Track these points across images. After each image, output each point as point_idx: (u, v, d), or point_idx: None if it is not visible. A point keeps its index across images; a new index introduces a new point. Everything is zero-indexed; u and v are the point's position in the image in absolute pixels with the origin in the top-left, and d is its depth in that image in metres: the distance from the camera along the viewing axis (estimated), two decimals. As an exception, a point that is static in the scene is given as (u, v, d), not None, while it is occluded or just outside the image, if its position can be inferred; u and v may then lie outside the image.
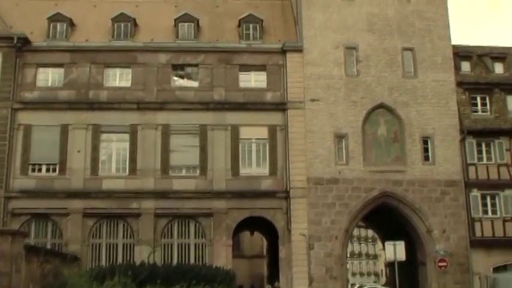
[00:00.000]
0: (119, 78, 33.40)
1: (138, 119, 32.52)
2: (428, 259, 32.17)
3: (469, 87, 34.45)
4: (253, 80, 33.67)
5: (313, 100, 32.89)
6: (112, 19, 34.37)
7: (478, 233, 32.26)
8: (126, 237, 31.73)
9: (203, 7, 36.68)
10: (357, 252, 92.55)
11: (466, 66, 35.69)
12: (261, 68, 33.73)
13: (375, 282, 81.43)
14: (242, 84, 33.44)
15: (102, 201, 31.44)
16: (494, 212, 32.80)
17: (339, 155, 32.48)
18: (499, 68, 36.17)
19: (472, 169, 32.99)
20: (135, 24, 34.77)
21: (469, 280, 31.75)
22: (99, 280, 21.98)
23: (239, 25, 34.96)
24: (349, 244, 52.92)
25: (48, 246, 30.48)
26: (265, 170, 32.55)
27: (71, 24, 34.58)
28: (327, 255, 31.31)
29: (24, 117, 32.28)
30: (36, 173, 32.01)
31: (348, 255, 53.38)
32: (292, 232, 31.54)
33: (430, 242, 32.06)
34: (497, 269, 32.32)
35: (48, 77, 33.32)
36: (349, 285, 55.53)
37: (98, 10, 36.43)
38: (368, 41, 33.95)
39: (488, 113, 34.21)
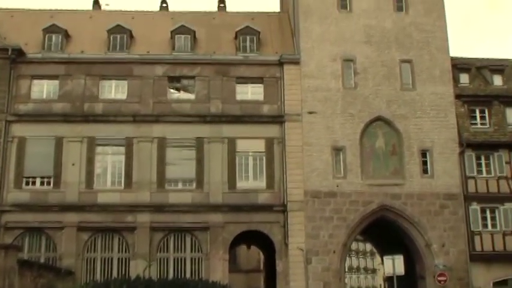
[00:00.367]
0: (114, 91, 33.46)
1: (134, 132, 32.56)
2: (428, 273, 32.14)
3: (468, 100, 34.56)
4: (250, 92, 33.78)
5: (310, 113, 32.98)
6: (108, 31, 34.47)
7: (478, 247, 32.24)
8: (121, 251, 31.64)
9: (200, 19, 36.84)
10: (355, 267, 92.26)
11: (464, 78, 35.82)
12: (258, 80, 33.85)
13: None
14: (239, 97, 33.53)
15: (97, 215, 31.41)
16: (494, 225, 32.82)
17: (337, 168, 32.52)
18: (497, 80, 36.28)
19: (471, 182, 33.03)
20: (131, 36, 34.87)
21: (469, 295, 31.74)
22: (94, 295, 21.94)
23: (236, 37, 35.09)
24: (347, 258, 52.89)
25: (42, 261, 30.41)
26: (262, 183, 32.58)
27: (66, 35, 34.66)
28: (325, 269, 31.26)
29: (19, 130, 32.29)
30: (30, 186, 31.98)
31: (346, 269, 53.30)
32: (290, 246, 31.51)
33: (429, 256, 32.04)
34: (497, 284, 32.29)
35: (43, 89, 33.34)
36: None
37: (93, 22, 36.60)
38: (366, 53, 34.10)
39: (488, 125, 34.29)
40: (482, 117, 34.51)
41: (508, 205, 32.90)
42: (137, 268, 29.30)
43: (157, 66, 33.63)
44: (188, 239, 31.98)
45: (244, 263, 52.74)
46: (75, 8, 38.68)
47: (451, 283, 31.33)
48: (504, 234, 32.59)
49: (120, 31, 34.54)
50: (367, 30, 34.47)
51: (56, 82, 33.19)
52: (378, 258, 74.56)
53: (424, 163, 32.95)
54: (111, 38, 34.43)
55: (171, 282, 24.41)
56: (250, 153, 32.89)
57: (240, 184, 32.42)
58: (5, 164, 31.71)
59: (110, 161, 32.63)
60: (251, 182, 32.62)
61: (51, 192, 31.75)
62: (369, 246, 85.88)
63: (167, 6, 40.10)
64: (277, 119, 33.09)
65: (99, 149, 32.56)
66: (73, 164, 31.90)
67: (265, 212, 32.00)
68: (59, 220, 31.17)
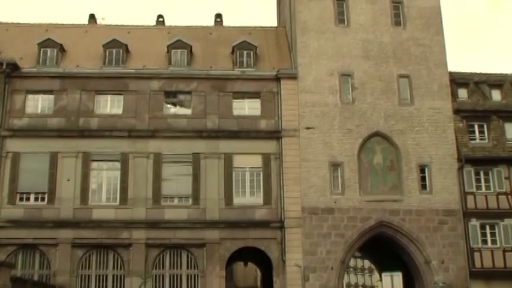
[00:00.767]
0: (110, 106, 33.53)
1: (130, 147, 32.60)
2: (427, 291, 32.10)
3: (467, 115, 34.71)
4: (247, 107, 33.88)
5: (307, 128, 33.08)
6: (104, 45, 34.63)
7: (478, 264, 32.24)
8: (116, 268, 31.58)
9: (196, 33, 37.04)
10: (353, 284, 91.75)
11: (463, 93, 35.99)
12: (255, 95, 33.97)
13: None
14: (236, 112, 33.62)
15: (91, 231, 31.37)
16: (493, 242, 32.81)
17: (334, 184, 32.56)
18: (496, 95, 36.44)
19: (470, 198, 33.10)
20: (127, 51, 35.02)
21: (469, 312, 31.68)
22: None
23: (233, 52, 35.26)
24: (345, 275, 52.71)
25: (36, 278, 30.37)
26: (259, 200, 32.60)
27: (62, 50, 34.82)
28: (323, 286, 31.21)
29: (13, 145, 32.32)
30: (24, 202, 31.96)
31: (344, 286, 53.11)
32: (287, 263, 31.47)
33: (428, 273, 32.01)
34: (497, 301, 32.26)
35: (38, 103, 33.41)
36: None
37: (89, 36, 36.78)
38: (363, 68, 34.27)
39: (486, 140, 34.41)
40: (481, 133, 34.64)
41: (507, 221, 32.94)
42: (132, 285, 29.27)
43: (153, 81, 33.74)
44: (184, 256, 31.93)
45: (241, 280, 52.61)
46: (70, 23, 39.02)
47: (451, 300, 31.32)
48: (504, 251, 32.60)
49: (116, 45, 34.68)
50: (364, 45, 34.67)
51: (51, 97, 33.28)
52: (376, 275, 74.18)
53: (423, 179, 33.02)
54: (107, 53, 34.58)
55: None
56: (247, 169, 32.92)
57: (237, 200, 32.44)
58: (-1, 180, 31.71)
59: (105, 177, 32.64)
60: (248, 198, 32.65)
61: (45, 208, 31.72)
62: (367, 263, 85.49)
63: (163, 20, 40.31)
64: (275, 135, 33.17)
65: (94, 164, 32.59)
66: (68, 180, 31.93)
67: (262, 229, 31.99)
68: (53, 236, 31.14)
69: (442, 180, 32.95)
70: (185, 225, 31.65)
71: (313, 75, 33.99)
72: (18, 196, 31.93)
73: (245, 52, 35.06)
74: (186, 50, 34.95)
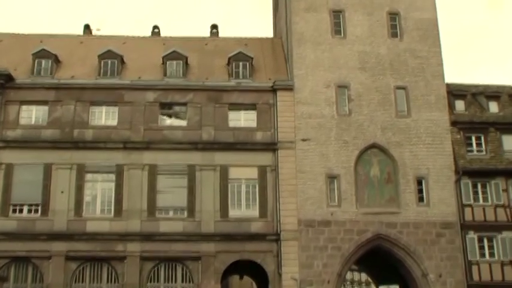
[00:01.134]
0: (104, 117, 33.59)
1: (124, 159, 32.63)
2: (424, 304, 32.09)
3: (464, 127, 34.84)
4: (242, 119, 33.97)
5: (304, 140, 33.18)
6: (99, 56, 34.74)
7: (476, 277, 32.25)
8: (111, 282, 31.52)
9: (192, 45, 37.17)
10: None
11: (460, 105, 36.12)
12: (250, 107, 34.08)
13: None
14: (231, 124, 33.72)
15: (86, 244, 31.33)
16: (492, 255, 32.82)
17: (331, 197, 32.63)
18: (493, 107, 36.58)
19: (468, 210, 33.16)
20: (122, 62, 35.13)
21: (467, 327, 31.66)
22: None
23: (228, 63, 35.39)
24: (343, 288, 52.53)
25: (29, 292, 30.27)
26: (255, 212, 32.62)
27: (56, 60, 34.91)
28: (319, 300, 31.20)
29: (6, 156, 32.31)
30: (17, 214, 31.91)
31: (341, 300, 52.87)
32: (283, 276, 31.45)
33: (426, 286, 32.01)
34: (496, 315, 32.26)
35: (32, 114, 33.44)
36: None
37: (84, 47, 36.91)
38: (360, 79, 34.43)
39: (484, 152, 34.52)
40: (479, 145, 34.74)
41: (505, 234, 32.99)
42: (127, 299, 29.15)
43: (148, 92, 33.83)
44: (179, 269, 31.90)
45: (236, 294, 52.37)
46: (65, 33, 38.93)
47: (449, 314, 31.31)
48: (502, 264, 32.63)
49: (111, 56, 34.79)
50: (361, 56, 34.85)
51: (46, 108, 33.32)
52: (373, 288, 74.15)
53: (420, 191, 33.07)
54: (102, 64, 34.67)
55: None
56: (243, 181, 32.97)
57: (233, 212, 32.46)
58: (-8, 191, 31.68)
59: (99, 189, 32.63)
60: (244, 210, 32.67)
61: (38, 220, 31.67)
62: (364, 276, 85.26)
63: (159, 31, 40.50)
64: (271, 146, 33.25)
65: (88, 176, 32.59)
66: (62, 192, 31.91)
67: (258, 241, 31.99)
68: (47, 249, 31.08)
69: (440, 192, 33.04)
70: (180, 238, 31.63)
71: (309, 87, 34.12)
72: (11, 208, 31.89)
73: (241, 63, 35.19)
74: (181, 61, 35.06)
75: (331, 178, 32.85)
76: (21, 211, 32.02)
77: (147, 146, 32.87)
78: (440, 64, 35.23)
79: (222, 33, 40.57)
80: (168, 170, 32.64)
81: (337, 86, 34.27)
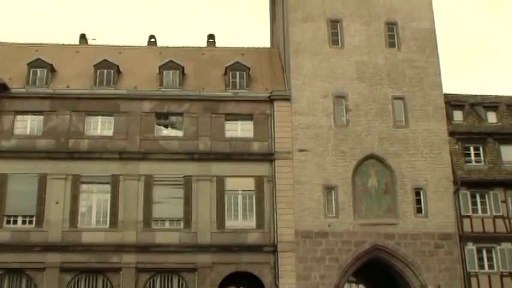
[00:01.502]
0: (100, 127, 33.61)
1: (120, 169, 32.64)
2: (423, 316, 32.08)
3: (462, 137, 34.95)
4: (239, 129, 34.03)
5: (301, 150, 33.23)
6: (95, 65, 34.81)
7: (475, 289, 32.27)
8: (106, 294, 31.46)
9: (188, 54, 37.30)
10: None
11: (458, 115, 36.26)
12: (247, 117, 34.14)
13: None
14: (228, 134, 33.77)
15: (80, 255, 31.27)
16: (491, 266, 32.84)
17: (328, 207, 32.65)
18: (492, 117, 36.72)
19: (466, 221, 33.21)
20: (118, 71, 35.21)
21: (466, 339, 31.63)
22: None
23: (225, 73, 35.49)
24: (340, 301, 52.38)
25: (22, 304, 30.17)
26: (251, 223, 32.61)
27: (52, 70, 34.98)
28: (317, 312, 31.16)
29: (0, 167, 32.26)
30: (11, 225, 31.84)
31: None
32: (280, 288, 31.45)
33: (425, 298, 32.03)
34: (495, 328, 32.24)
35: (27, 124, 33.44)
36: None
37: (80, 56, 36.99)
38: (357, 89, 34.56)
39: (482, 163, 34.61)
40: (477, 155, 34.82)
41: (504, 245, 33.04)
42: (122, 311, 29.06)
43: (144, 102, 33.89)
44: (175, 281, 31.84)
45: (233, 306, 52.20)
46: (61, 42, 39.00)
47: (447, 326, 31.30)
48: (502, 276, 32.64)
49: (107, 66, 34.86)
50: (359, 66, 35.00)
51: (41, 118, 33.34)
52: (371, 300, 73.92)
53: (418, 202, 33.14)
54: (98, 73, 34.74)
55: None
56: (240, 192, 32.99)
57: (229, 223, 32.45)
58: (-14, 202, 31.63)
59: (95, 199, 32.60)
60: (240, 221, 32.67)
61: (33, 232, 31.60)
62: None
63: (155, 41, 40.57)
64: (268, 157, 33.29)
65: (84, 186, 32.58)
66: (57, 202, 31.86)
67: (255, 253, 31.98)
68: (41, 261, 30.98)
69: (438, 203, 33.11)
70: (176, 249, 31.60)
71: (306, 97, 34.23)
72: (5, 219, 31.81)
73: (238, 73, 35.28)
74: (178, 71, 35.15)
75: (329, 189, 32.90)
76: (15, 222, 31.94)
77: (143, 156, 32.89)
78: (438, 74, 35.39)
79: (219, 43, 40.76)
80: (164, 180, 32.64)
81: (334, 96, 34.38)
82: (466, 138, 35.02)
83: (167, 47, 38.90)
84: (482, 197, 33.82)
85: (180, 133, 33.85)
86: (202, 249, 31.75)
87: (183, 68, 35.35)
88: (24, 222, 31.98)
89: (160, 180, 32.64)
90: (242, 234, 32.27)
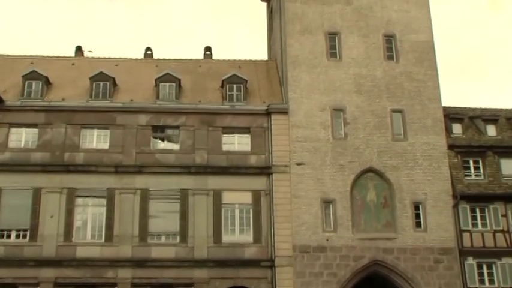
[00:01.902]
0: (96, 140, 33.59)
1: (116, 183, 32.58)
2: (423, 333, 31.94)
3: (461, 151, 34.97)
4: (236, 142, 34.03)
5: (299, 164, 33.23)
6: (90, 78, 34.84)
7: (475, 305, 32.21)
8: (100, 309, 31.32)
9: (185, 67, 37.40)
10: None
11: (457, 128, 36.34)
12: (244, 130, 34.16)
13: None
14: (225, 147, 33.77)
15: (75, 270, 31.14)
16: (491, 281, 32.74)
17: (327, 222, 32.60)
18: (491, 131, 36.78)
19: (466, 236, 33.16)
20: (115, 84, 35.25)
21: None
22: None
23: (222, 86, 35.55)
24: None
25: (15, 320, 30.00)
26: (249, 237, 32.55)
27: (47, 82, 35.01)
28: (315, 328, 31.03)
29: (-6, 180, 32.21)
30: (4, 240, 31.69)
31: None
32: (278, 303, 31.33)
33: (424, 313, 31.90)
34: None
35: (21, 137, 33.40)
36: None
37: (75, 68, 37.06)
38: (356, 102, 34.62)
39: (482, 177, 34.61)
40: (477, 169, 34.83)
41: (505, 260, 32.96)
42: (117, 327, 28.92)
43: (140, 115, 33.91)
44: (171, 296, 31.74)
45: (230, 322, 51.94)
46: (56, 55, 39.09)
47: None
48: (503, 291, 32.61)
49: (103, 79, 34.90)
50: (357, 79, 35.09)
51: (35, 130, 33.32)
52: (370, 316, 73.61)
53: (417, 216, 33.09)
54: (94, 86, 34.76)
55: None
56: (237, 206, 32.94)
57: (226, 238, 32.37)
58: (-21, 216, 31.53)
59: (90, 213, 32.51)
60: (237, 235, 32.59)
61: (27, 246, 31.47)
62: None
63: (152, 53, 40.67)
64: (265, 171, 33.28)
65: (79, 200, 32.50)
66: (51, 216, 31.77)
67: (252, 267, 31.88)
68: (35, 276, 30.84)
69: (437, 217, 33.07)
70: (173, 264, 31.49)
71: (304, 110, 34.28)
72: (-2, 233, 31.77)
73: (235, 86, 35.35)
74: (174, 84, 35.19)
75: (327, 203, 32.87)
76: (8, 236, 31.82)
77: (139, 169, 32.86)
78: (436, 87, 35.48)
79: (216, 55, 40.82)
80: (160, 194, 32.60)
81: (332, 109, 34.44)
82: (465, 151, 35.04)
83: (164, 60, 39.01)
84: (482, 211, 33.79)
85: (176, 146, 33.84)
86: (198, 264, 31.65)
87: (179, 80, 35.41)
88: (18, 236, 31.86)
89: (157, 194, 32.59)
90: (239, 249, 32.19)
